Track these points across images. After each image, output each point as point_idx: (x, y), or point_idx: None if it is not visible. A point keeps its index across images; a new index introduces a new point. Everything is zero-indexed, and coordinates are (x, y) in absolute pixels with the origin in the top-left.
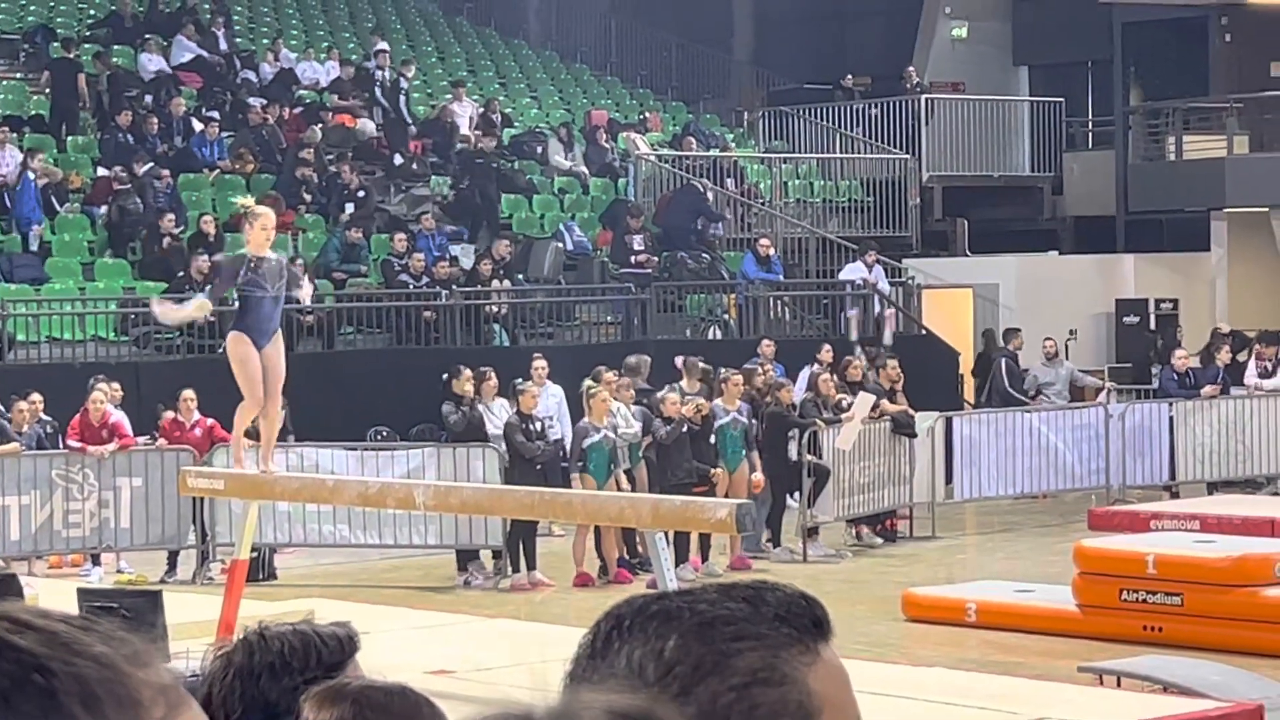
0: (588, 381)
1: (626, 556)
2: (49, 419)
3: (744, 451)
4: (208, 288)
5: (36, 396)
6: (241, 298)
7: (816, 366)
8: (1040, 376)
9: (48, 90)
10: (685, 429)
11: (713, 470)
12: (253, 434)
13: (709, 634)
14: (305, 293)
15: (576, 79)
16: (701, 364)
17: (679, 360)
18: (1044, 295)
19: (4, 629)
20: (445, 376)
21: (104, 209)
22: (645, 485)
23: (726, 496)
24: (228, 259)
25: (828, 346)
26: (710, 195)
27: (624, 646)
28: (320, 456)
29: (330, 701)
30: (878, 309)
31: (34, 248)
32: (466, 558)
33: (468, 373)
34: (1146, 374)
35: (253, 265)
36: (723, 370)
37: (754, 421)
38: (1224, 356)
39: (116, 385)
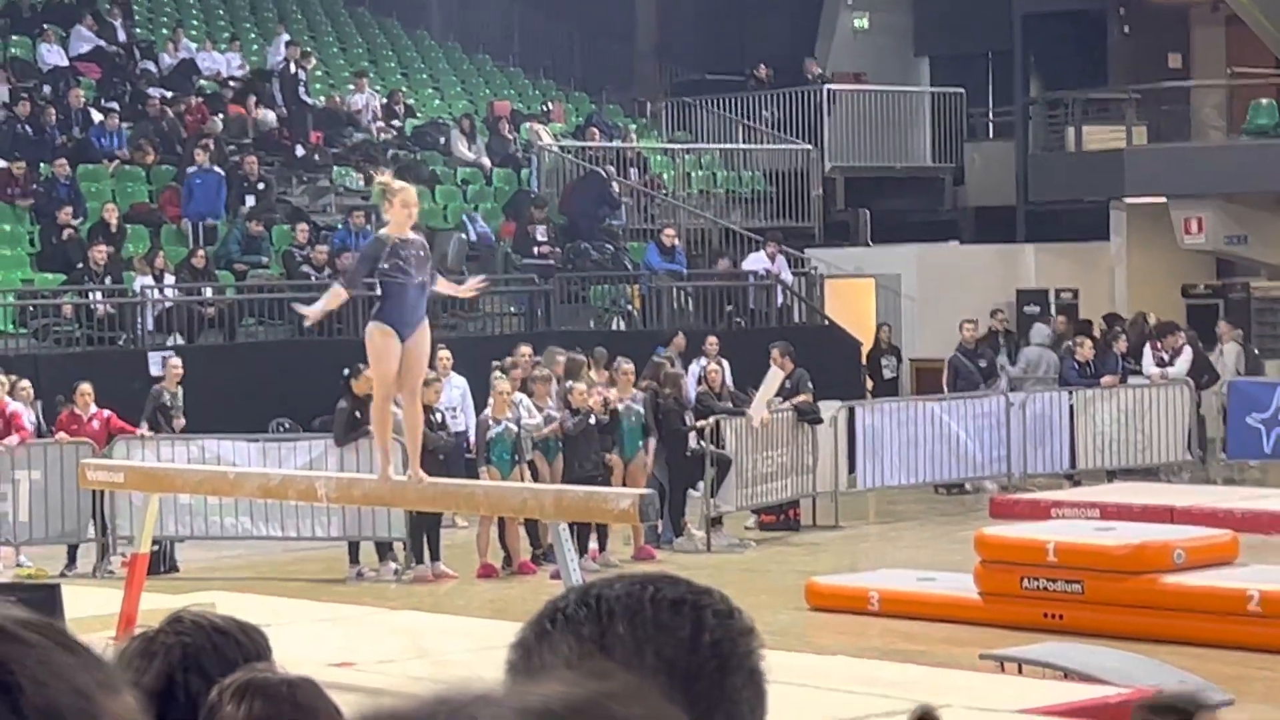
0: (495, 374)
1: (531, 547)
2: None
3: (640, 440)
4: (342, 275)
5: None
6: (383, 284)
7: (705, 360)
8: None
9: None
10: (593, 420)
11: (608, 456)
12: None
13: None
14: (459, 287)
15: (479, 69)
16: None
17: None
18: (945, 285)
19: None
20: (346, 372)
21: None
22: (558, 477)
23: (624, 485)
24: (369, 244)
25: (713, 338)
26: (615, 185)
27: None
28: (221, 448)
29: (244, 695)
30: (780, 299)
31: None
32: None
33: (368, 373)
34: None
35: (395, 248)
36: (617, 360)
37: (646, 411)
38: (1121, 346)
39: (20, 379)
